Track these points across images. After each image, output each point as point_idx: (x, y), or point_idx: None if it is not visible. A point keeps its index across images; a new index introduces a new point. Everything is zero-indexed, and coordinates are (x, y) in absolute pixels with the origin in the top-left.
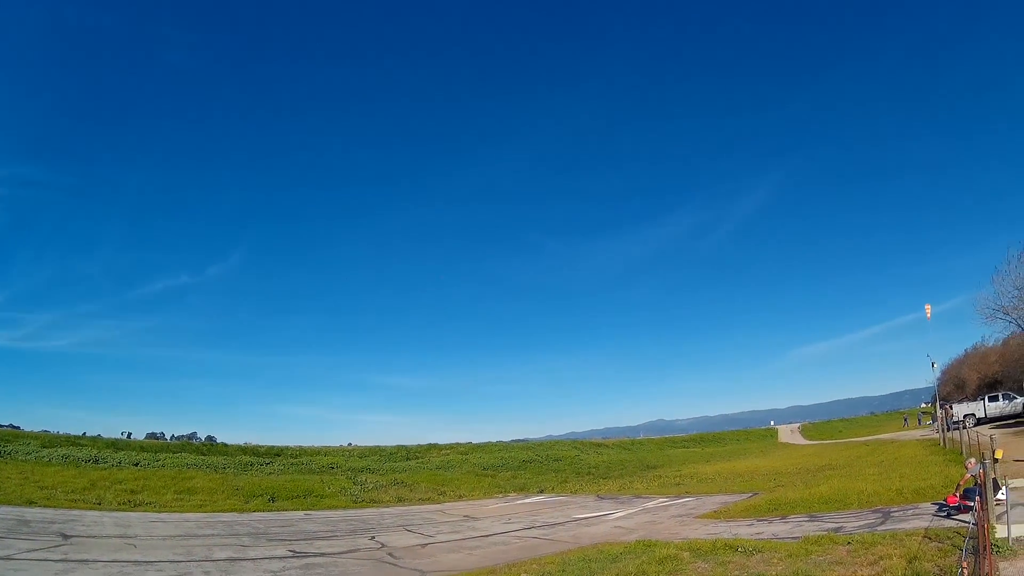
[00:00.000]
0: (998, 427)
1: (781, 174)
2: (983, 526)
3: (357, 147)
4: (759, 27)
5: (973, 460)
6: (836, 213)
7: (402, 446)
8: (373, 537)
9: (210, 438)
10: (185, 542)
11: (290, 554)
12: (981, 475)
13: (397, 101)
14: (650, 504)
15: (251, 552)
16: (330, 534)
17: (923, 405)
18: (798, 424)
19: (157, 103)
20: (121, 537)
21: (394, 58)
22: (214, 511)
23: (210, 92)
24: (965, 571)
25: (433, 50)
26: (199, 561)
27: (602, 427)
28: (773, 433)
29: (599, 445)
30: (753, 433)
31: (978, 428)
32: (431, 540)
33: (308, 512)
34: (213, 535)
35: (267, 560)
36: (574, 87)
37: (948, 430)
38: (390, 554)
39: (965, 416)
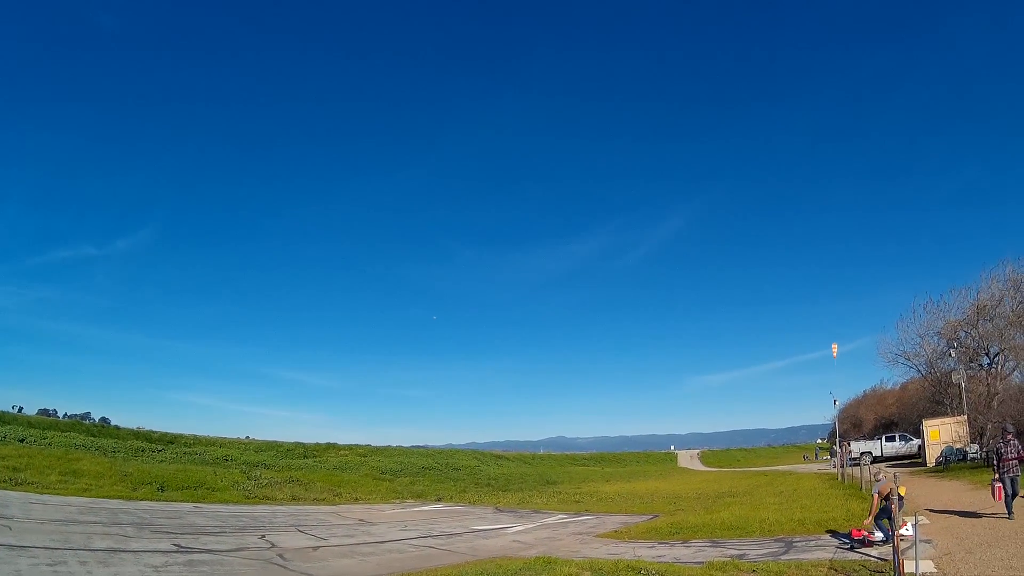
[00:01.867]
0: (893, 466)
1: (698, 203)
2: (900, 560)
3: (277, 140)
4: (687, 58)
5: (883, 476)
6: (750, 246)
7: (300, 443)
8: (264, 536)
9: (104, 419)
10: (64, 528)
11: (174, 548)
12: (894, 490)
13: (326, 97)
14: (550, 520)
15: (133, 544)
16: (219, 530)
17: (819, 441)
18: (697, 450)
19: (78, 58)
20: None
21: (328, 53)
22: (99, 496)
23: (142, 57)
24: None
25: (360, 50)
26: (76, 550)
27: (503, 440)
28: (673, 457)
29: (499, 457)
30: (653, 456)
31: (875, 465)
32: (324, 543)
33: (198, 505)
34: (95, 522)
35: (149, 554)
36: (498, 98)
37: (846, 466)
38: (280, 555)
39: (862, 453)
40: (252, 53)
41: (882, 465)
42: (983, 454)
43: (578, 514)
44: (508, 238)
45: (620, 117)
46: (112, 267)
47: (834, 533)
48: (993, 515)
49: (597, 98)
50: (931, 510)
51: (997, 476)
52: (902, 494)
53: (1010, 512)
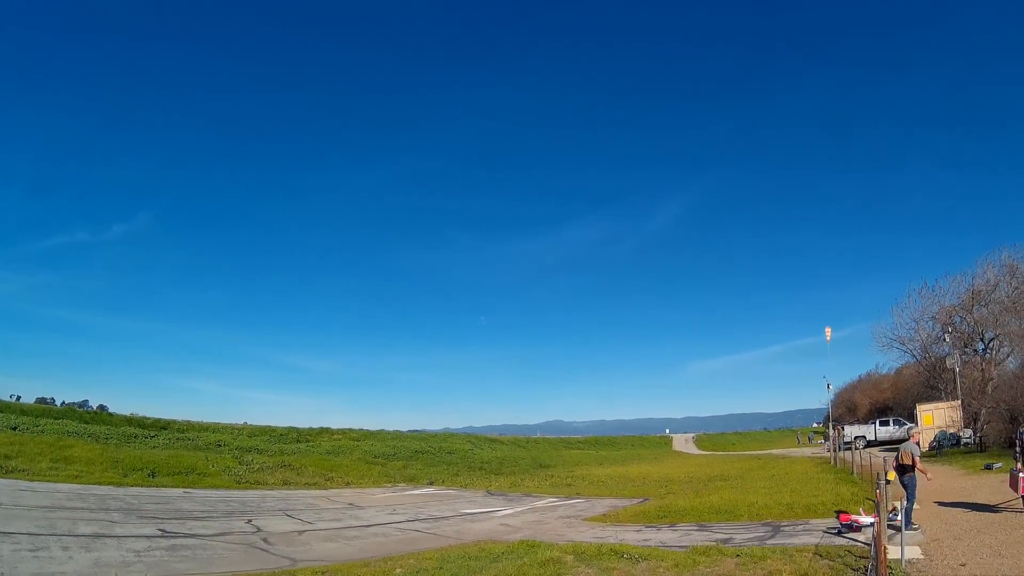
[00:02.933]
0: (887, 450)
1: (696, 191)
2: (882, 547)
3: (276, 128)
4: (686, 48)
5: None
6: (747, 233)
7: (293, 428)
8: (250, 520)
9: (102, 407)
10: (51, 514)
11: (159, 533)
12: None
13: (324, 84)
14: (539, 503)
15: (118, 529)
16: (206, 515)
17: (815, 425)
18: (692, 434)
19: (74, 44)
20: None
21: (326, 42)
22: (89, 483)
23: (140, 42)
24: None
25: (359, 39)
26: (60, 535)
27: (500, 423)
28: (668, 441)
29: (494, 440)
30: (648, 440)
31: (868, 449)
32: (309, 527)
33: (188, 490)
34: (83, 508)
35: (133, 539)
36: (496, 86)
37: (839, 450)
38: (264, 539)
39: (856, 438)
40: (251, 41)
41: (875, 449)
42: (976, 439)
43: (568, 498)
44: (506, 225)
45: (617, 105)
46: (109, 253)
47: (823, 519)
48: (1007, 507)
49: (595, 87)
50: (940, 503)
51: (1020, 465)
52: (890, 479)
53: None
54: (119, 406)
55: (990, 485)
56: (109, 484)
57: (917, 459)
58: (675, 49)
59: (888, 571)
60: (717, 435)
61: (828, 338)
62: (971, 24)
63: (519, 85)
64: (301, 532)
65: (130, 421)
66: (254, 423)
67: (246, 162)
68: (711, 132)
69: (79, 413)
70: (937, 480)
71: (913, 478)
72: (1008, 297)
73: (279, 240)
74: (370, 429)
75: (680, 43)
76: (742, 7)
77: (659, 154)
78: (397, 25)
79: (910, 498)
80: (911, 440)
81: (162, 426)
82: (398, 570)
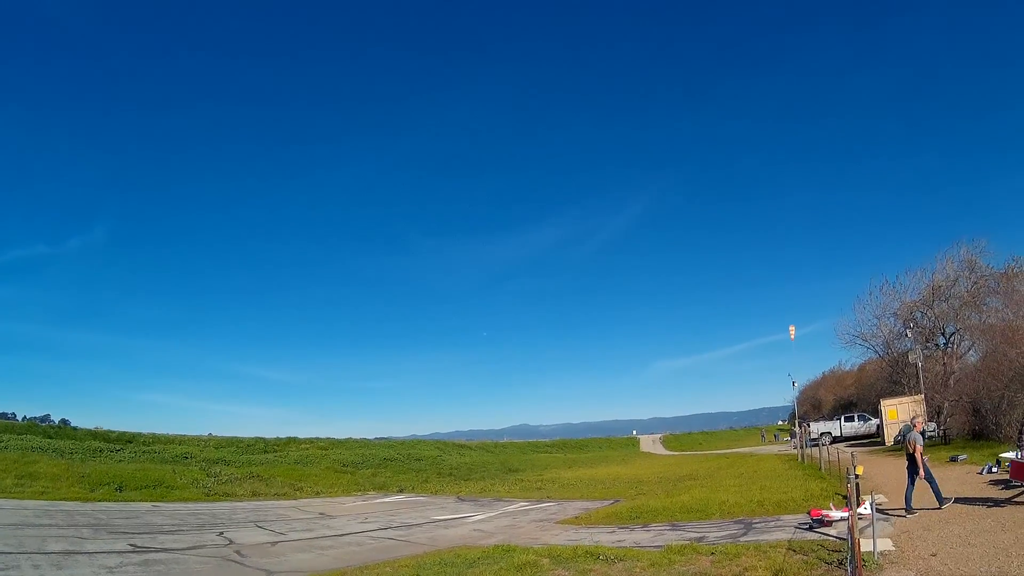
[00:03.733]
0: (852, 446)
1: (656, 190)
2: (855, 539)
3: (232, 135)
4: (643, 48)
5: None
6: (709, 231)
7: (260, 438)
8: (222, 533)
9: (64, 421)
10: (19, 532)
11: (130, 549)
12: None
13: (279, 94)
14: (511, 508)
15: (88, 545)
16: (176, 528)
17: (780, 422)
18: (659, 435)
19: (26, 52)
20: None
21: (282, 51)
22: (56, 499)
23: (94, 52)
24: None
25: (318, 43)
26: (30, 553)
27: (467, 429)
28: (635, 442)
29: (462, 446)
30: (615, 441)
31: (835, 445)
32: (282, 538)
33: (156, 504)
34: (51, 525)
35: (104, 555)
36: (456, 89)
37: (806, 447)
38: (237, 552)
39: (822, 434)
40: (207, 48)
41: (841, 444)
42: (941, 432)
43: (539, 501)
44: (468, 228)
45: (576, 107)
46: (67, 266)
47: (794, 515)
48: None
49: (554, 88)
50: (946, 508)
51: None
52: (859, 473)
53: None
54: (81, 420)
55: (957, 477)
56: (76, 500)
57: (919, 447)
58: (633, 50)
59: (861, 562)
60: (684, 435)
61: (792, 336)
62: (932, 21)
63: (478, 89)
64: (274, 543)
65: (95, 435)
66: (220, 435)
67: (202, 170)
68: (671, 131)
69: (42, 428)
70: (904, 473)
71: (919, 464)
72: (968, 292)
73: (239, 250)
74: (338, 438)
75: (638, 44)
76: (702, 7)
77: (618, 154)
78: (358, 28)
79: (912, 482)
80: (915, 430)
81: (127, 440)
82: None
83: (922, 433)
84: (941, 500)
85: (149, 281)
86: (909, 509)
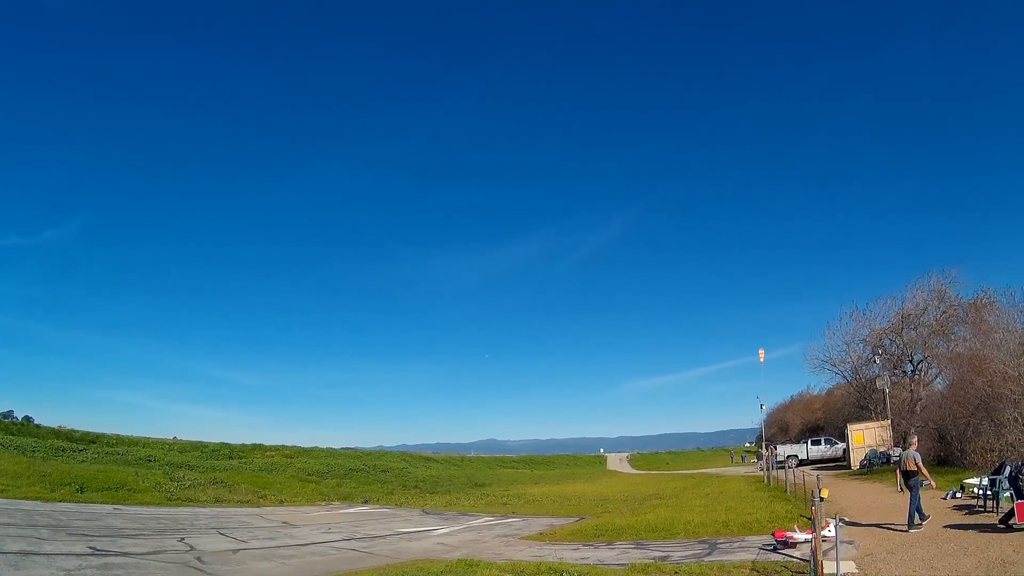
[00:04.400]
0: (818, 469)
1: (636, 209)
2: (819, 561)
3: (209, 137)
4: (630, 65)
5: (916, 439)
6: (683, 252)
7: (226, 444)
8: (183, 539)
9: (27, 418)
10: None
11: (89, 551)
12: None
13: (258, 95)
14: (476, 522)
15: (47, 547)
16: (137, 532)
17: (747, 444)
18: (627, 453)
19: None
20: None
21: (262, 51)
22: (15, 498)
23: (71, 43)
24: None
25: (299, 47)
26: None
27: (434, 442)
28: (602, 460)
29: (428, 459)
30: (582, 459)
31: (801, 468)
32: (244, 546)
33: (118, 506)
34: (9, 524)
35: (63, 557)
36: (439, 98)
37: (772, 469)
38: (198, 558)
39: (788, 456)
40: (187, 47)
41: (807, 467)
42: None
43: (505, 516)
44: (445, 238)
45: (560, 121)
46: (39, 259)
47: (759, 536)
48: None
49: (538, 101)
50: (872, 520)
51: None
52: (824, 496)
53: None
54: (45, 418)
55: (922, 501)
56: (36, 499)
57: (920, 464)
58: (617, 68)
59: None
60: (651, 454)
61: (761, 359)
62: (908, 49)
63: (462, 99)
64: (236, 551)
65: (58, 434)
66: (184, 438)
67: (178, 169)
68: (651, 152)
69: (5, 424)
70: (869, 496)
71: (918, 481)
72: (936, 321)
73: (211, 250)
74: (303, 446)
75: (623, 62)
76: (683, 28)
77: (601, 172)
78: (335, 35)
79: (914, 499)
80: (912, 448)
81: (91, 440)
82: None
83: (918, 452)
84: (913, 522)
85: (120, 278)
86: (922, 518)
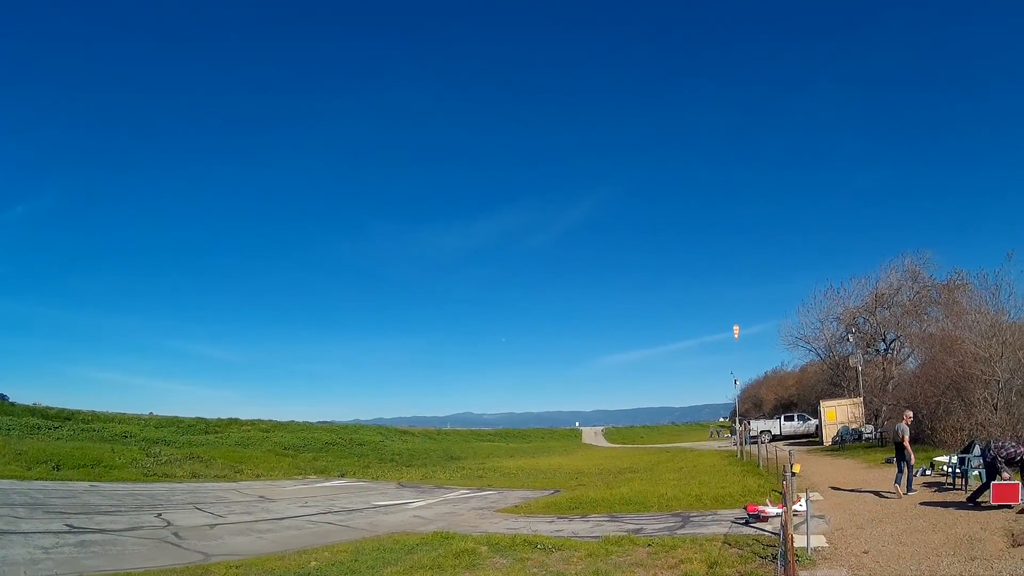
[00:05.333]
0: (791, 444)
1: (610, 186)
2: (789, 536)
3: (186, 114)
4: (602, 46)
5: (909, 413)
6: (660, 230)
7: (201, 419)
8: (160, 515)
9: (2, 396)
10: None
11: (67, 529)
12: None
13: (235, 75)
14: (452, 495)
15: (24, 525)
16: (114, 509)
17: (721, 419)
18: (602, 427)
19: None
20: None
21: (232, 30)
22: None
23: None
24: None
25: (276, 20)
26: None
27: (410, 415)
28: (577, 434)
29: (404, 432)
30: (558, 432)
31: (774, 444)
32: (221, 520)
33: (94, 483)
34: None
35: (40, 535)
36: (416, 72)
37: (746, 444)
38: (175, 533)
39: (762, 432)
40: (151, 30)
41: (780, 443)
42: (878, 435)
43: (480, 489)
44: (419, 214)
45: (536, 100)
46: (10, 233)
47: (731, 509)
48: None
49: (512, 79)
50: (843, 493)
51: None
52: (796, 471)
53: None
54: (19, 395)
55: (892, 477)
56: (12, 478)
57: (905, 437)
58: (594, 47)
59: (795, 558)
60: (626, 428)
61: (736, 335)
62: (880, 34)
63: (433, 76)
64: (213, 526)
65: (33, 411)
66: (160, 414)
67: (156, 140)
68: (628, 130)
69: None
70: (840, 472)
71: (908, 452)
72: (910, 301)
73: (185, 226)
74: (280, 420)
75: (598, 42)
76: (658, 11)
77: (574, 149)
78: (316, 9)
79: (910, 467)
80: (903, 422)
81: (66, 417)
82: (313, 563)
83: (908, 425)
84: (910, 487)
85: (94, 253)
86: (908, 492)
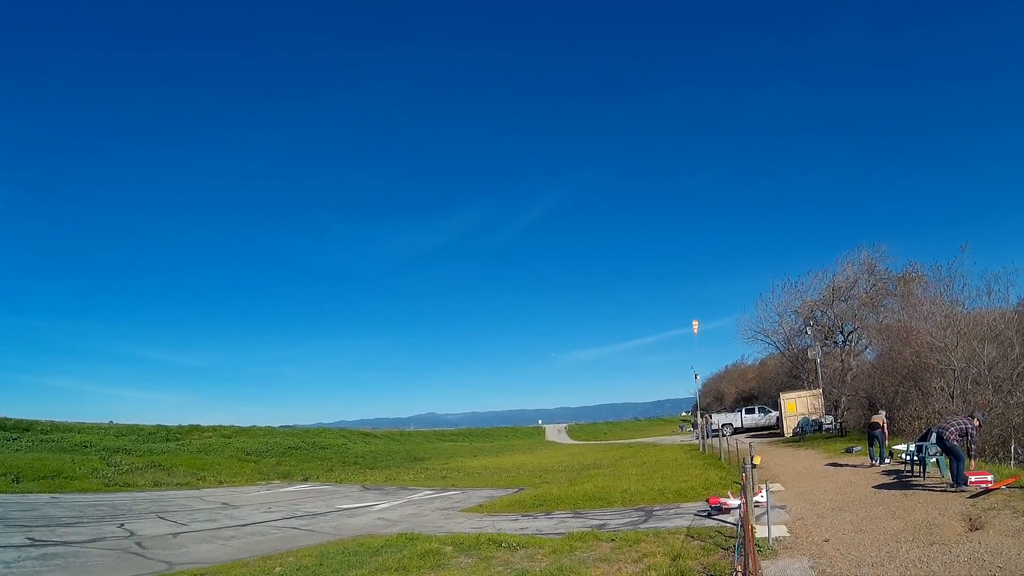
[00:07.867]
0: (752, 437)
1: (571, 183)
2: (749, 527)
3: (139, 111)
4: (568, 45)
5: (883, 413)
6: (620, 226)
7: (162, 426)
8: (122, 525)
9: None
10: None
11: (28, 542)
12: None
13: (191, 67)
14: (415, 496)
15: None
16: (76, 520)
17: (683, 413)
18: (565, 424)
19: None
20: None
21: (209, 26)
22: None
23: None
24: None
25: (240, 19)
26: None
27: (373, 417)
28: (540, 432)
29: (367, 435)
30: (521, 431)
31: (736, 436)
32: (184, 529)
33: (55, 495)
34: None
35: (1, 549)
36: (374, 70)
37: (707, 437)
38: (138, 544)
39: (723, 425)
40: (131, 20)
41: (742, 436)
42: (838, 425)
43: (444, 489)
44: (380, 212)
45: (496, 97)
46: None
47: (694, 502)
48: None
49: (475, 76)
50: (804, 484)
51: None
52: (757, 463)
53: None
54: None
55: (852, 465)
56: None
57: (884, 423)
58: (557, 44)
59: (756, 548)
60: (589, 425)
61: (695, 330)
62: (838, 36)
63: (395, 72)
64: (176, 534)
65: None
66: (120, 422)
67: (109, 142)
68: (589, 127)
69: None
70: (801, 463)
71: (883, 433)
72: (866, 293)
73: (139, 229)
74: (242, 426)
75: (562, 41)
76: (625, 10)
77: (535, 146)
78: (277, 13)
79: (883, 445)
80: (882, 412)
81: (24, 427)
82: (278, 569)
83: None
84: (883, 460)
85: (46, 257)
86: (883, 463)
